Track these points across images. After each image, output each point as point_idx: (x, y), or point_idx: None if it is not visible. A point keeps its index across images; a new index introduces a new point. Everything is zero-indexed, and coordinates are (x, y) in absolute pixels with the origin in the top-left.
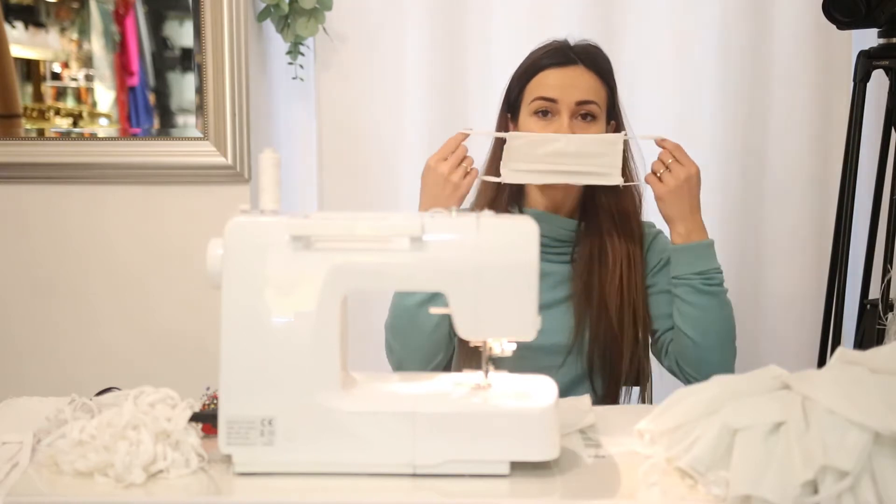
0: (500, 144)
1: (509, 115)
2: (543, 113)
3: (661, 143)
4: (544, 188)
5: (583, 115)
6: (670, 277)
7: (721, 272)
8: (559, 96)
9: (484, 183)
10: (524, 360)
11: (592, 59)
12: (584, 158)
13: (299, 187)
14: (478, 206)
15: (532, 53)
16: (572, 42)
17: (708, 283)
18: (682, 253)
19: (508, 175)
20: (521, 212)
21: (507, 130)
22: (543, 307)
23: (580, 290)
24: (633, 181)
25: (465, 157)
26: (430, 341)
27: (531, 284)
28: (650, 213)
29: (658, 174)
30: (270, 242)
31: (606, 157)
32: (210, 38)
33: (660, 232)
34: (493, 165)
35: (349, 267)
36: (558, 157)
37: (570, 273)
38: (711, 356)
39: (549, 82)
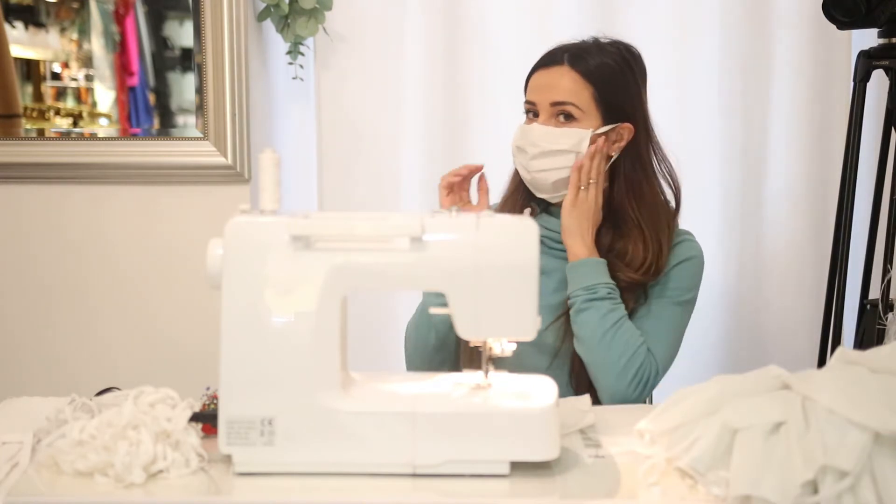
0: None
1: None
2: (528, 114)
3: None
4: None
5: (560, 114)
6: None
7: (608, 286)
8: (537, 98)
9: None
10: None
11: (578, 58)
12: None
13: (299, 187)
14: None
15: None
16: (599, 38)
17: (591, 295)
18: (578, 268)
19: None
20: (539, 205)
21: None
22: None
23: None
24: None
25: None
26: (434, 355)
27: (531, 284)
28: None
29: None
30: (270, 242)
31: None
32: (210, 38)
33: (691, 249)
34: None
35: (349, 267)
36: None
37: None
38: (601, 378)
39: (533, 84)
